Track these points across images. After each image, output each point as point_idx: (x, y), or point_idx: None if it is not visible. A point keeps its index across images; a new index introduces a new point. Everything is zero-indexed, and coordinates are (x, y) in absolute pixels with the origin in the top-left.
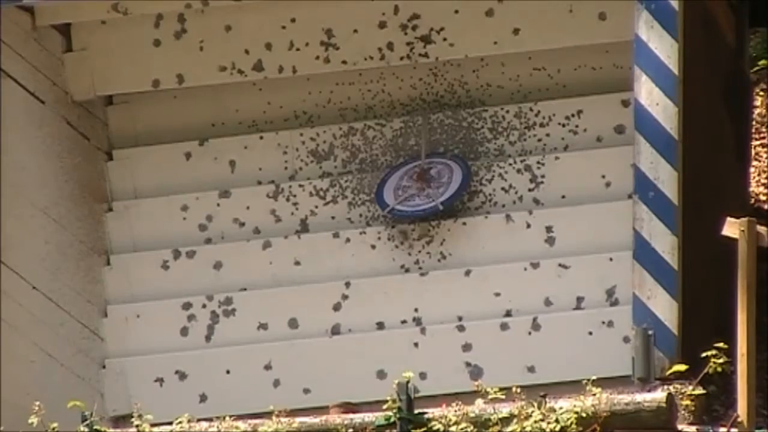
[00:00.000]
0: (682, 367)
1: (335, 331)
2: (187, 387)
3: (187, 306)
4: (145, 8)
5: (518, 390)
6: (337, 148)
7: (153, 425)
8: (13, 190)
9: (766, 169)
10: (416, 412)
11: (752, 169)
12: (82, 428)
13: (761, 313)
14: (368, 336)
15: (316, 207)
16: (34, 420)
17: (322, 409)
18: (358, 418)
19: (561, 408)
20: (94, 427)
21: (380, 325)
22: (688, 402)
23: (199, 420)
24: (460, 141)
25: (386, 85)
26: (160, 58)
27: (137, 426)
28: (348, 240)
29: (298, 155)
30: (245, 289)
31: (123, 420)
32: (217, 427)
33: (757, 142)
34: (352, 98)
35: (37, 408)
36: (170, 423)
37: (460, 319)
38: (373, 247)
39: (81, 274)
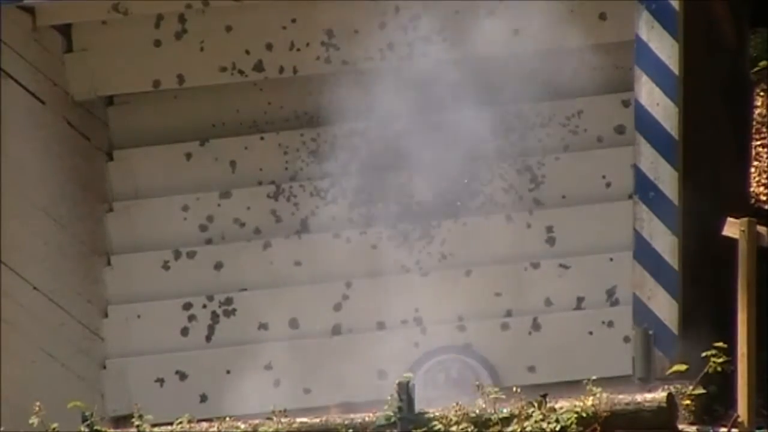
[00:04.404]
0: (682, 367)
1: (336, 331)
2: (187, 387)
3: (187, 306)
4: (146, 8)
5: (518, 390)
6: (338, 148)
7: (153, 425)
8: (13, 190)
9: (766, 169)
10: (417, 411)
11: (752, 169)
12: (82, 428)
13: (761, 312)
14: (368, 336)
15: (317, 207)
16: (34, 420)
17: (322, 409)
18: (358, 418)
19: (561, 408)
20: (95, 428)
21: (380, 325)
22: (688, 402)
23: (199, 420)
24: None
25: None
26: (161, 59)
27: (137, 426)
28: (348, 240)
29: (299, 155)
30: (245, 289)
31: (123, 420)
32: (217, 427)
33: (758, 142)
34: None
35: (37, 408)
36: (170, 423)
37: (460, 319)
38: (374, 247)
39: (81, 275)
